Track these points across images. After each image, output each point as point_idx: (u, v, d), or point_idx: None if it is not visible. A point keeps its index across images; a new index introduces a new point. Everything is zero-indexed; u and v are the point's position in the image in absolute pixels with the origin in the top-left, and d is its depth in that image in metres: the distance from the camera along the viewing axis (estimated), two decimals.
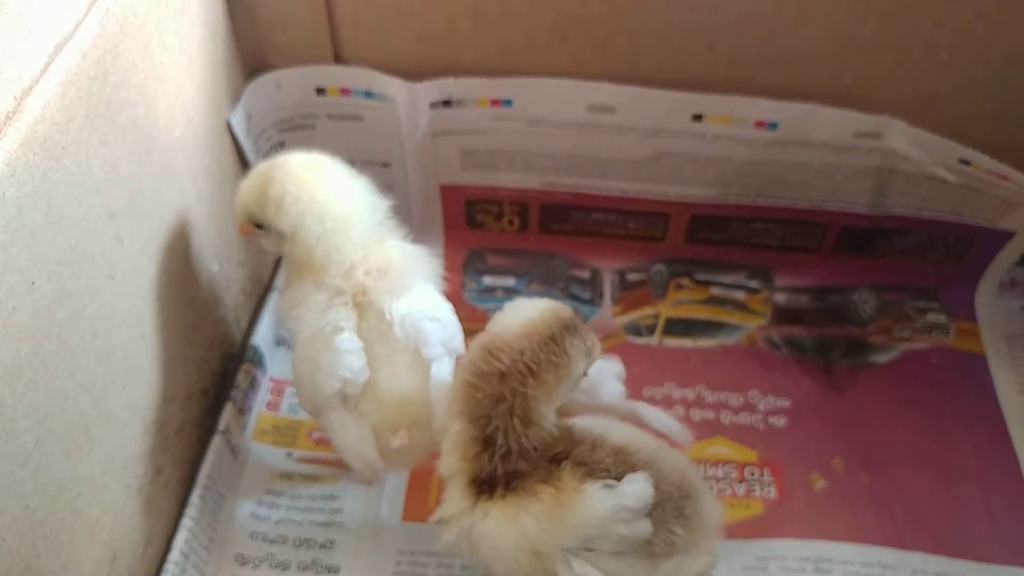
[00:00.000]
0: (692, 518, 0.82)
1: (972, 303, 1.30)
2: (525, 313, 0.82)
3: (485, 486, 0.80)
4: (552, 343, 0.79)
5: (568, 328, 0.80)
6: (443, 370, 0.93)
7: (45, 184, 0.70)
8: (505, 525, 0.78)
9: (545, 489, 0.78)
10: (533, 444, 0.79)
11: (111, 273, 0.81)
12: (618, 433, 0.84)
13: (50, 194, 0.71)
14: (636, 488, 0.78)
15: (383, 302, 0.93)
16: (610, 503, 0.77)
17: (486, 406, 0.78)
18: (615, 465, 0.80)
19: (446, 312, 0.97)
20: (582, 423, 0.85)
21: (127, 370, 0.86)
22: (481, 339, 0.82)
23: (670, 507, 0.81)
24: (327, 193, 0.92)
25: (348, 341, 0.91)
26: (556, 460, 0.80)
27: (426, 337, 0.92)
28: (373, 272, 0.94)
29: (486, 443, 0.79)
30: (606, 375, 0.92)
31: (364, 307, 0.93)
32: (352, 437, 0.93)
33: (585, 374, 0.84)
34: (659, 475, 0.80)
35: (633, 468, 0.80)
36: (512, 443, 0.78)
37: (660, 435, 0.90)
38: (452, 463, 0.82)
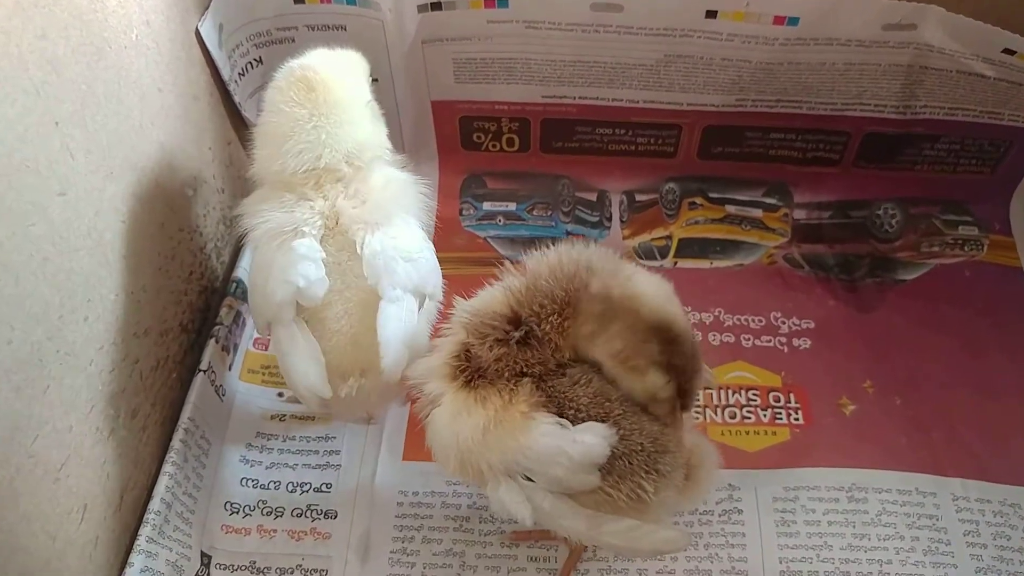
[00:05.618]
0: (665, 475, 0.75)
1: (1007, 215, 1.25)
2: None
3: (462, 363, 0.74)
4: (664, 352, 0.72)
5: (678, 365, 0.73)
6: (395, 312, 0.82)
7: None
8: (447, 421, 0.73)
9: (494, 400, 0.72)
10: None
11: (62, 190, 0.72)
12: None
13: None
14: (586, 440, 0.71)
15: (356, 233, 0.84)
16: (551, 442, 0.71)
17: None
18: (588, 407, 0.73)
19: (425, 253, 0.88)
20: None
21: (88, 300, 0.78)
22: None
23: (640, 460, 0.74)
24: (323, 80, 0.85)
25: (307, 247, 0.82)
26: (521, 374, 0.73)
27: (393, 278, 0.83)
28: (351, 197, 0.86)
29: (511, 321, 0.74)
30: None
31: (330, 233, 0.85)
32: (301, 358, 0.84)
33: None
34: (636, 426, 0.74)
35: (606, 416, 0.73)
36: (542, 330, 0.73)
37: None
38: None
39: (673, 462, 0.76)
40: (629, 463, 0.73)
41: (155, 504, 0.88)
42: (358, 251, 0.84)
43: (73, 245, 0.75)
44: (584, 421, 0.72)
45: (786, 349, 1.12)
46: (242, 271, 1.10)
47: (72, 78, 0.74)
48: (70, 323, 0.75)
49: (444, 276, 0.91)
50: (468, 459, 0.73)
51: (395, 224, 0.86)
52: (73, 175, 0.74)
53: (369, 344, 0.83)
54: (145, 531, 0.86)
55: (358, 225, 0.84)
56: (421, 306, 0.86)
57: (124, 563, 0.85)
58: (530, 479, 0.73)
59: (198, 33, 1.01)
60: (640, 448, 0.73)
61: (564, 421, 0.72)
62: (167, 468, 0.91)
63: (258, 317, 0.89)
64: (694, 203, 1.25)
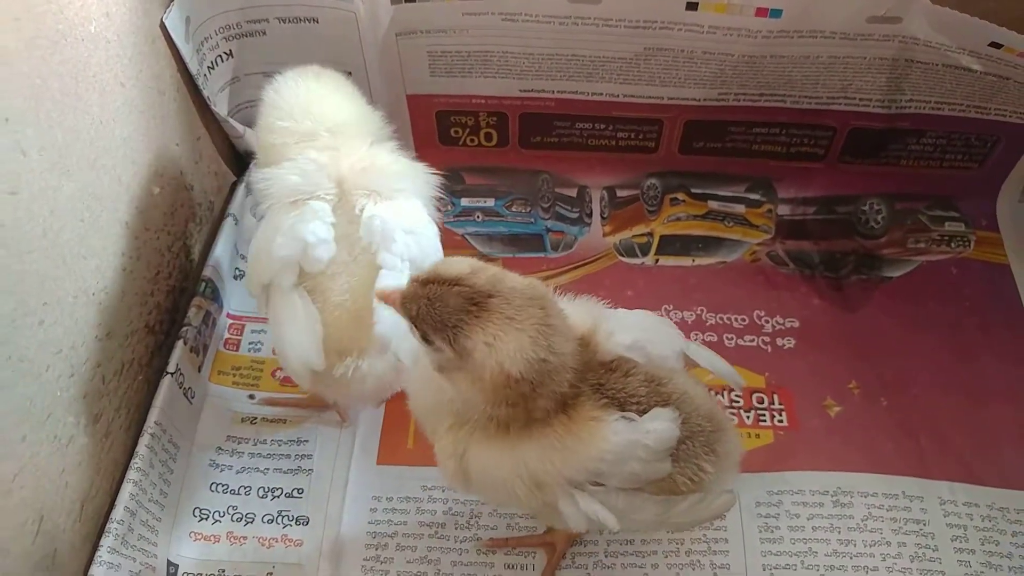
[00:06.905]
0: (723, 455, 0.75)
1: (993, 211, 1.23)
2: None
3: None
4: None
5: None
6: (394, 281, 0.80)
7: None
8: (503, 452, 0.70)
9: (558, 417, 0.69)
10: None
11: (13, 188, 0.69)
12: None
13: None
14: (659, 427, 0.70)
15: (358, 199, 0.83)
16: (626, 438, 0.69)
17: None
18: (647, 396, 0.72)
19: (428, 229, 0.86)
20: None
21: (44, 303, 0.75)
22: None
23: (701, 442, 0.73)
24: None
25: (320, 208, 0.82)
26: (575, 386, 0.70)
27: (392, 246, 0.81)
28: (357, 168, 0.85)
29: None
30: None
31: (340, 204, 0.84)
32: (297, 327, 0.82)
33: None
34: (692, 407, 0.73)
35: (666, 401, 0.72)
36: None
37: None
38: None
39: (729, 442, 0.76)
40: (692, 445, 0.73)
41: (118, 513, 0.85)
42: (357, 213, 0.83)
43: (28, 246, 0.72)
44: (647, 411, 0.71)
45: (770, 349, 1.09)
46: (212, 271, 1.07)
47: (24, 72, 0.70)
48: (23, 328, 0.72)
49: None
50: (540, 483, 0.70)
51: (399, 200, 0.85)
52: (25, 173, 0.71)
53: (371, 323, 0.81)
54: (107, 541, 0.83)
55: (360, 191, 0.84)
56: None
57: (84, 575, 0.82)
58: (598, 483, 0.71)
59: (163, 26, 0.98)
60: (700, 429, 0.73)
61: (630, 414, 0.70)
62: (131, 475, 0.88)
63: (255, 278, 0.87)
64: (676, 199, 1.23)
